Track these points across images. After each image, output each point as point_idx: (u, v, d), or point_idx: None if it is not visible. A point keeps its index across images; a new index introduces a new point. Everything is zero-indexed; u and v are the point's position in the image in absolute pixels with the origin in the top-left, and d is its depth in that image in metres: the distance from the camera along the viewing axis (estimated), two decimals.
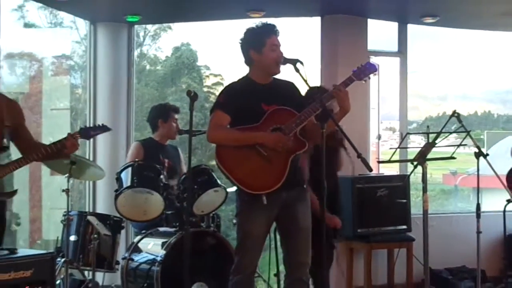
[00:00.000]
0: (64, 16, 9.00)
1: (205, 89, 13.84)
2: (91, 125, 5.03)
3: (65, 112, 9.44)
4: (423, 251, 5.34)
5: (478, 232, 5.57)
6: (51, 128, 8.56)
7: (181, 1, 7.19)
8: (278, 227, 4.96)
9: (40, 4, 8.15)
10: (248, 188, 4.60)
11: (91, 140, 7.99)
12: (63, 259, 5.95)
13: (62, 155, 4.81)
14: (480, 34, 8.89)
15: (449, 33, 8.69)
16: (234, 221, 4.97)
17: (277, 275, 6.51)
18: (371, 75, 4.82)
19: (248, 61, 4.84)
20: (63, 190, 6.02)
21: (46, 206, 8.81)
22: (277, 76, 4.87)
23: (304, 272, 4.81)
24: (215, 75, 13.99)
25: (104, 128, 5.06)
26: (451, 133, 5.67)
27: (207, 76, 14.13)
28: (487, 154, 5.67)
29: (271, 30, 4.78)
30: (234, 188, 4.95)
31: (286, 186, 4.64)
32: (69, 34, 9.81)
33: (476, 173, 5.90)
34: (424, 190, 5.25)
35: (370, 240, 7.23)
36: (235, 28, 8.28)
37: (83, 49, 9.07)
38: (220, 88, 13.05)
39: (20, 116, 4.84)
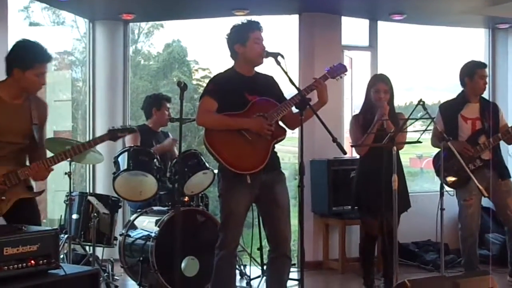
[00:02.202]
0: (66, 16, 8.97)
1: (194, 82, 13.83)
2: (119, 127, 4.88)
3: (67, 103, 9.42)
4: (393, 226, 5.35)
5: (441, 209, 5.58)
6: (55, 118, 8.52)
7: (172, 0, 7.16)
8: (259, 207, 5.00)
9: (44, 5, 8.12)
10: (234, 167, 4.63)
11: (91, 126, 8.00)
12: (66, 235, 5.98)
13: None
14: (443, 30, 8.93)
15: (415, 29, 8.72)
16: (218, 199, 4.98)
17: (260, 249, 6.57)
18: (343, 75, 4.94)
19: (233, 55, 4.85)
20: (66, 173, 6.03)
21: (51, 188, 8.78)
22: (259, 70, 4.90)
23: (287, 247, 4.87)
24: (203, 69, 13.99)
25: (131, 130, 4.95)
26: (417, 119, 5.68)
27: (196, 70, 14.13)
28: (450, 139, 5.69)
29: (254, 26, 4.81)
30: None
31: (266, 169, 4.68)
32: (70, 32, 9.79)
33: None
34: (393, 171, 5.24)
35: (344, 217, 7.27)
36: (221, 26, 8.27)
37: (83, 46, 9.06)
38: (207, 81, 13.06)
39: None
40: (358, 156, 7.26)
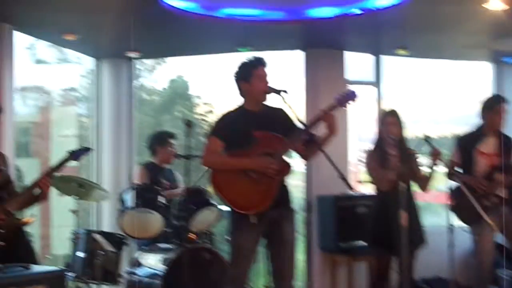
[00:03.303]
0: (70, 53, 9.00)
1: (197, 117, 13.83)
2: (77, 148, 5.09)
3: (72, 138, 9.43)
4: (401, 263, 5.32)
5: (451, 246, 5.56)
6: (60, 154, 8.53)
7: (176, 38, 7.20)
8: (266, 243, 4.93)
9: (49, 43, 8.17)
10: (239, 208, 4.64)
11: (96, 163, 8.01)
12: (72, 274, 5.94)
13: (39, 198, 4.76)
14: (448, 64, 8.95)
15: (420, 63, 8.74)
16: (227, 237, 4.97)
17: (266, 286, 6.52)
18: (351, 102, 4.84)
19: (240, 92, 4.87)
20: (72, 211, 6.03)
21: (55, 224, 8.77)
22: (268, 104, 4.90)
23: (290, 283, 4.82)
24: (206, 104, 13.99)
25: (87, 149, 5.17)
26: (415, 154, 5.70)
27: (199, 105, 14.13)
28: (457, 172, 5.70)
29: (258, 62, 4.82)
30: (227, 207, 4.96)
31: (273, 206, 4.66)
32: (75, 69, 9.82)
33: (445, 190, 5.90)
34: (401, 207, 5.22)
35: (352, 253, 7.21)
36: (224, 61, 8.31)
37: (88, 82, 9.08)
38: (210, 116, 13.06)
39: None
40: (365, 192, 7.30)
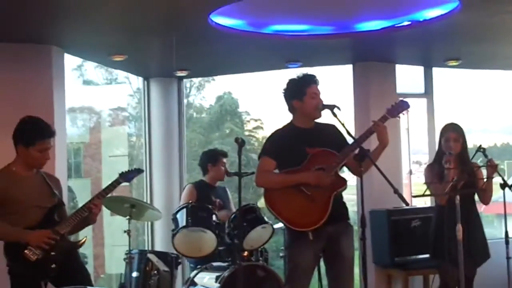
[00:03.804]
0: (119, 73, 9.09)
1: (247, 133, 13.86)
2: (128, 170, 5.10)
3: (123, 158, 9.50)
4: (459, 276, 5.20)
5: (508, 258, 5.44)
6: (111, 174, 8.60)
7: (224, 56, 7.20)
8: (324, 259, 4.87)
9: (97, 63, 8.25)
10: (295, 226, 4.60)
11: (148, 183, 8.04)
12: None
13: (89, 221, 4.78)
14: (499, 74, 8.82)
15: (471, 74, 8.62)
16: (281, 254, 4.92)
17: None
18: (405, 112, 4.79)
19: (291, 109, 4.83)
20: (125, 231, 6.03)
21: (108, 244, 8.83)
22: (319, 120, 4.85)
23: None
24: (255, 120, 14.02)
25: (139, 171, 5.20)
26: (480, 167, 5.60)
27: (248, 121, 14.16)
28: (511, 185, 5.58)
29: (311, 80, 4.78)
30: (280, 224, 4.92)
31: (330, 221, 4.59)
32: (123, 89, 9.91)
33: (499, 200, 5.76)
34: (457, 221, 5.13)
35: (407, 267, 7.10)
36: (272, 77, 8.29)
37: (136, 101, 9.15)
38: (260, 132, 13.08)
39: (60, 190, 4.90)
40: (417, 205, 7.18)
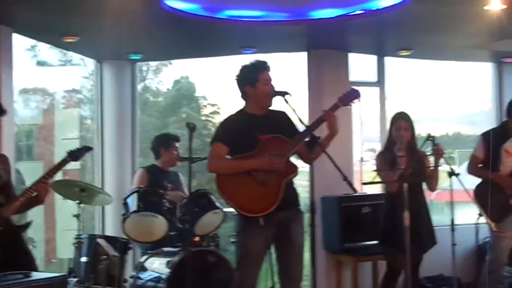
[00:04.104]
0: (73, 54, 8.96)
1: (203, 118, 13.79)
2: (77, 148, 5.02)
3: (76, 141, 9.38)
4: (406, 262, 5.27)
5: (453, 244, 5.54)
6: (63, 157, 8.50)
7: (179, 40, 7.14)
8: (274, 244, 4.90)
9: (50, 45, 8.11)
10: (246, 211, 4.61)
11: (100, 167, 7.96)
12: (75, 279, 5.87)
13: (37, 201, 4.69)
14: (450, 64, 8.95)
15: (422, 64, 8.72)
16: (232, 240, 4.92)
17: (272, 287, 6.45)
18: (355, 101, 4.83)
19: (243, 96, 4.83)
20: (74, 215, 5.96)
21: (60, 228, 8.72)
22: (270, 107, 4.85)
23: (298, 286, 4.81)
24: (212, 105, 13.94)
25: (87, 149, 5.12)
26: (428, 155, 5.67)
27: (205, 106, 14.08)
28: (458, 174, 5.65)
29: (263, 66, 4.79)
30: (231, 209, 4.92)
31: (281, 207, 4.62)
32: (78, 71, 9.78)
33: (449, 188, 5.84)
34: (405, 208, 5.19)
35: (356, 253, 7.16)
36: (229, 63, 8.25)
37: (91, 84, 9.03)
38: (216, 117, 13.03)
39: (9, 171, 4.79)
40: (368, 192, 7.24)
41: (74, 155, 4.93)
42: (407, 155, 5.66)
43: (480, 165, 6.16)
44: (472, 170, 6.15)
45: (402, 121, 5.81)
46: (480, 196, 5.80)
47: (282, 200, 4.61)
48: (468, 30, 6.82)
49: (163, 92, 13.78)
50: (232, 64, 8.18)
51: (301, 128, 4.71)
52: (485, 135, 6.28)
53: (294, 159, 4.81)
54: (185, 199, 6.12)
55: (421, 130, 6.04)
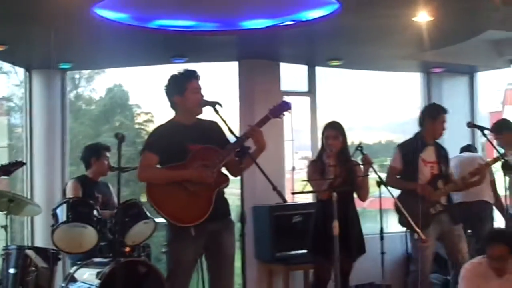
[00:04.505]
0: (3, 62, 8.80)
1: (137, 126, 13.67)
2: (9, 162, 4.93)
3: (3, 150, 9.22)
4: (335, 271, 5.32)
5: (382, 253, 5.61)
6: None
7: (109, 50, 7.09)
8: (205, 255, 4.89)
9: None
10: (177, 221, 4.58)
11: (28, 177, 7.83)
12: None
13: None
14: (380, 74, 9.12)
15: (353, 74, 8.84)
16: (164, 250, 4.90)
17: None
18: (286, 112, 4.85)
19: (173, 105, 4.82)
20: (2, 226, 5.85)
21: None
22: (200, 117, 4.85)
23: None
24: (146, 113, 13.84)
25: (21, 164, 5.14)
26: (359, 164, 5.74)
27: (138, 114, 13.97)
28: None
29: (192, 75, 4.77)
30: (162, 219, 4.90)
31: (212, 218, 4.61)
32: (8, 78, 9.60)
33: (382, 196, 5.92)
34: (334, 217, 5.24)
35: (287, 262, 7.19)
36: (162, 72, 8.21)
37: (22, 92, 8.88)
38: (150, 125, 12.92)
39: None
40: (299, 201, 7.29)
41: (5, 169, 4.85)
42: (337, 164, 5.73)
43: (398, 176, 6.22)
44: (390, 181, 6.19)
45: (330, 130, 5.89)
46: (402, 206, 5.86)
47: (213, 210, 4.60)
48: (397, 41, 6.96)
49: (96, 100, 13.60)
50: (165, 73, 8.14)
51: (231, 138, 4.71)
52: (401, 146, 6.35)
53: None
54: (115, 210, 6.06)
55: (354, 138, 6.12)
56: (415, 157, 6.15)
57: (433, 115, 6.21)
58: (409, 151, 6.21)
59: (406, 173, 6.13)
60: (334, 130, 5.88)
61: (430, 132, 6.22)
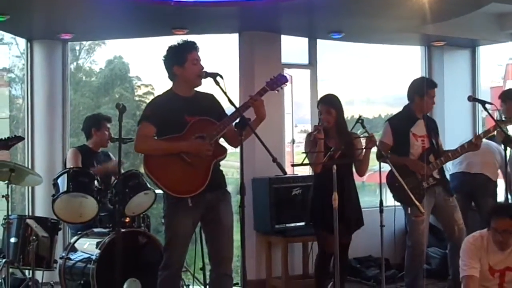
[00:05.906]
0: (4, 33, 8.79)
1: (137, 98, 13.69)
2: (7, 137, 4.95)
3: (5, 121, 9.23)
4: (335, 243, 5.34)
5: (382, 226, 5.62)
6: None
7: (110, 21, 7.08)
8: (203, 226, 4.94)
9: None
10: (174, 192, 4.61)
11: (29, 147, 7.85)
12: (4, 260, 5.82)
13: None
14: (381, 48, 9.09)
15: (354, 47, 8.81)
16: (163, 220, 4.92)
17: (202, 268, 6.48)
18: (284, 86, 4.85)
19: (171, 76, 4.81)
20: (3, 196, 5.89)
21: None
22: (198, 89, 4.85)
23: (228, 267, 4.83)
24: (146, 85, 13.84)
25: (19, 138, 5.15)
26: (359, 137, 5.74)
27: (138, 86, 13.96)
28: (388, 156, 5.74)
29: (191, 46, 4.77)
30: (160, 190, 4.92)
31: (209, 189, 4.64)
32: (9, 49, 9.60)
33: (377, 170, 5.92)
34: (334, 189, 5.25)
35: (286, 234, 7.23)
36: (162, 43, 8.20)
37: (23, 63, 8.88)
38: (150, 97, 12.93)
39: None
40: (298, 174, 7.30)
41: (4, 144, 4.86)
42: (336, 137, 5.74)
43: (389, 152, 6.20)
44: (381, 156, 6.18)
45: (321, 105, 5.90)
46: (394, 181, 5.85)
47: (210, 181, 4.63)
48: (398, 14, 6.93)
49: (96, 72, 13.60)
50: (166, 45, 8.13)
51: (230, 110, 4.72)
52: (392, 122, 6.32)
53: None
54: (115, 180, 6.09)
55: (353, 111, 6.10)
56: (405, 131, 6.16)
57: (420, 90, 6.17)
58: (398, 126, 6.22)
59: (397, 148, 6.12)
60: (325, 105, 5.86)
61: (418, 106, 6.21)
